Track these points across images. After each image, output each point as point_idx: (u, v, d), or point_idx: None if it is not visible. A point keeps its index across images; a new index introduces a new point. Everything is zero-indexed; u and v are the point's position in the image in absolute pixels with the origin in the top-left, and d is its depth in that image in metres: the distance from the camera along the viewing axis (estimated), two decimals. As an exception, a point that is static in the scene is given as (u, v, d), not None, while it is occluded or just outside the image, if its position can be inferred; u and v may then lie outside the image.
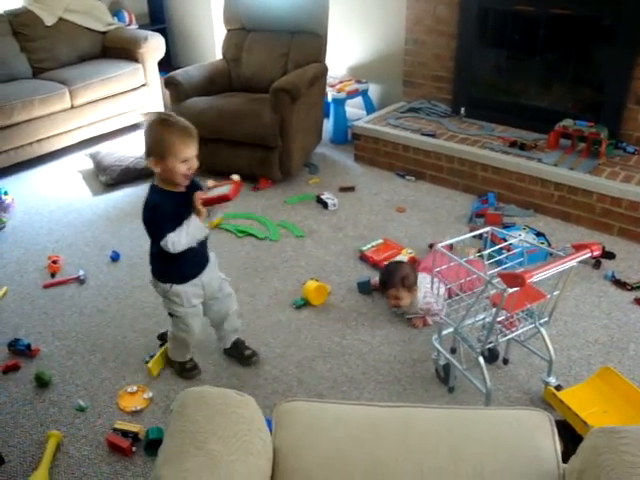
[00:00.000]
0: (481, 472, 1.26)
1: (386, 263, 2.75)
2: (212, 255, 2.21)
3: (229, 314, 2.32)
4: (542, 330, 2.07)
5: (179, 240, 1.94)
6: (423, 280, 2.57)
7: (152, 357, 2.40)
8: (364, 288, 2.80)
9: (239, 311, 2.42)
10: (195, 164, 1.97)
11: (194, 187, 2.03)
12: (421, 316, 2.59)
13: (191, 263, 2.10)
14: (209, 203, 2.01)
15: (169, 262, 2.04)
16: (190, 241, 1.97)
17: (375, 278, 2.78)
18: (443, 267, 2.09)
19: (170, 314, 2.21)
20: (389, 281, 2.55)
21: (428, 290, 2.49)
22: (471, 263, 1.99)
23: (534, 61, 3.78)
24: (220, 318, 2.32)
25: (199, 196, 1.98)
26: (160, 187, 1.99)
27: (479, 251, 2.55)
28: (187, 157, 1.93)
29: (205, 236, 2.05)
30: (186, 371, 2.34)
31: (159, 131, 1.92)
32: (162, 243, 1.94)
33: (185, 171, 1.94)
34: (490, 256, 2.06)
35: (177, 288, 2.10)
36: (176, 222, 1.95)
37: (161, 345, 2.46)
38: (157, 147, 1.91)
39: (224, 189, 2.05)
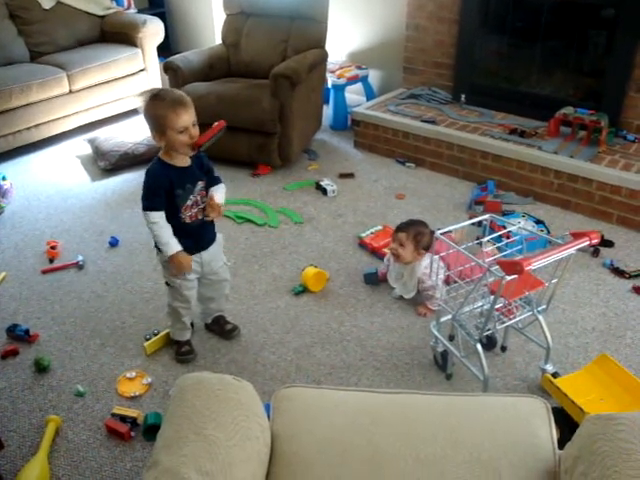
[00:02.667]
0: (478, 458, 1.27)
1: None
2: (219, 237, 2.27)
3: (217, 297, 2.40)
4: (540, 317, 2.07)
5: (156, 229, 2.02)
6: (428, 256, 2.57)
7: (155, 334, 2.44)
8: (371, 279, 2.79)
9: (239, 297, 2.43)
10: (195, 132, 2.00)
11: (199, 161, 2.11)
12: (424, 304, 2.60)
13: (193, 239, 2.14)
14: (206, 139, 2.05)
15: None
16: (155, 237, 2.06)
17: (382, 268, 2.77)
18: (442, 253, 2.10)
19: (167, 283, 2.25)
20: (404, 227, 2.60)
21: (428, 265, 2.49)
22: (480, 254, 1.99)
23: (535, 48, 3.76)
24: (208, 298, 2.39)
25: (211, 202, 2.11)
26: (163, 159, 2.04)
27: (478, 238, 2.55)
28: (184, 126, 1.95)
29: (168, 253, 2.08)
30: (180, 354, 2.36)
31: (152, 107, 1.96)
32: (144, 213, 2.02)
33: (187, 140, 1.97)
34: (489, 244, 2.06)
35: None
36: (168, 194, 2.01)
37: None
38: (154, 123, 1.96)
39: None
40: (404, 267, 2.61)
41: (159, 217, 2.02)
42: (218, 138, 2.08)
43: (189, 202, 2.07)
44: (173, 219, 2.06)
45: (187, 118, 1.96)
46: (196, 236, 2.15)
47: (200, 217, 2.13)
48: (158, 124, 1.95)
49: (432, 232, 2.59)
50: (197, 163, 2.10)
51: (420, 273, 2.55)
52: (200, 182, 2.10)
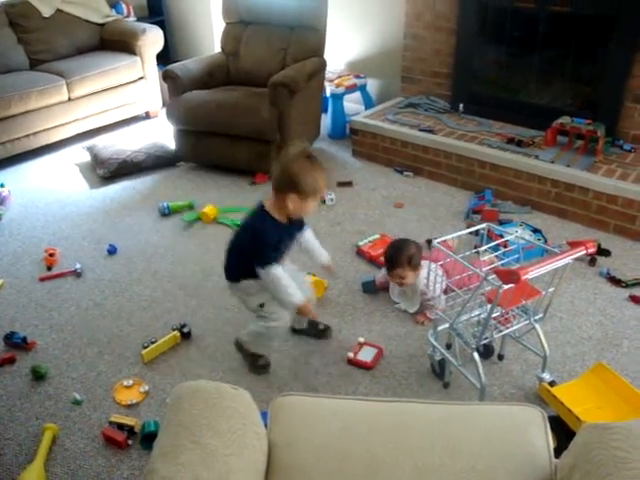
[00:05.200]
0: (475, 467, 1.27)
1: (392, 240, 2.71)
2: None
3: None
4: (537, 326, 2.07)
5: (279, 283, 2.05)
6: (425, 263, 2.56)
7: (153, 342, 2.43)
8: (369, 288, 2.79)
9: (238, 305, 2.43)
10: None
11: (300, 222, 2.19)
12: (423, 312, 2.60)
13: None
14: (355, 364, 2.31)
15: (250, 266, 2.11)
16: (277, 291, 2.08)
17: (379, 276, 2.78)
18: (440, 262, 2.10)
19: (261, 304, 2.20)
20: (396, 260, 2.51)
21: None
22: (477, 262, 2.00)
23: (533, 58, 3.78)
24: None
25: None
26: (273, 216, 2.06)
27: (475, 247, 2.55)
28: (321, 196, 2.04)
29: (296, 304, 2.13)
30: (259, 367, 2.33)
31: (307, 170, 1.97)
32: (263, 270, 2.04)
33: (315, 207, 2.06)
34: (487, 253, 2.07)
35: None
36: (277, 250, 2.07)
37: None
38: (303, 185, 1.96)
39: (369, 355, 2.35)
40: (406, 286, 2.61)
41: (280, 270, 2.06)
42: None
43: (285, 254, 2.16)
44: None
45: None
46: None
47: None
48: (307, 188, 1.96)
49: (417, 244, 2.58)
50: (296, 221, 2.16)
51: (422, 285, 2.54)
52: (297, 237, 2.21)
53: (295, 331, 2.52)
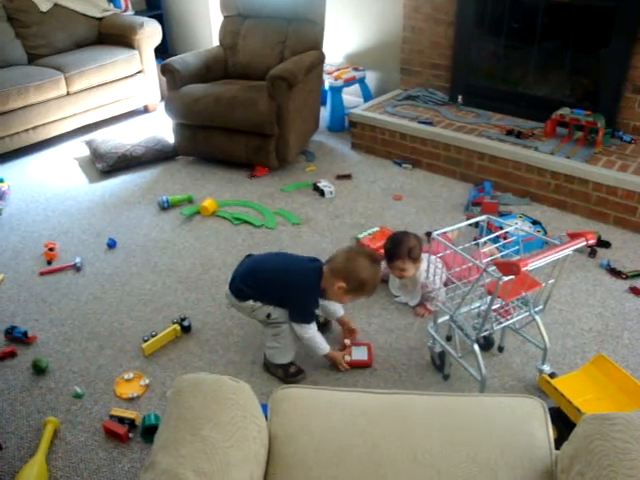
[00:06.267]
0: (474, 458, 1.28)
1: (391, 233, 2.68)
2: None
3: None
4: (537, 318, 2.08)
5: (311, 338, 2.20)
6: (425, 255, 2.55)
7: (153, 336, 2.43)
8: None
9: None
10: None
11: None
12: (423, 304, 2.60)
13: None
14: (355, 365, 2.31)
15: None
16: (308, 345, 2.23)
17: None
18: (440, 254, 2.10)
19: (268, 315, 2.19)
20: (396, 253, 2.49)
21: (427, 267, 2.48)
22: (475, 254, 1.99)
23: (532, 49, 3.77)
24: None
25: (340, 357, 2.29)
26: (320, 286, 2.15)
27: (475, 239, 2.55)
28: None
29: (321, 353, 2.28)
30: (291, 376, 2.27)
31: (369, 270, 2.10)
32: (303, 327, 2.17)
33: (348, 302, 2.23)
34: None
35: None
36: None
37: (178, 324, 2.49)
38: (355, 285, 2.10)
39: (362, 353, 2.35)
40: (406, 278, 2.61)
41: (315, 328, 2.21)
42: None
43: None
44: None
45: None
46: None
47: None
48: (359, 285, 2.10)
49: (417, 236, 2.57)
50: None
51: (423, 278, 2.54)
52: (346, 357, 2.32)
53: None
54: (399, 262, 2.49)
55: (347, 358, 2.30)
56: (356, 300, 2.22)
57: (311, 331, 2.18)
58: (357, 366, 2.30)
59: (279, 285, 2.15)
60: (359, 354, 2.34)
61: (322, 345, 2.23)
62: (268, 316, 2.19)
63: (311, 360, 2.35)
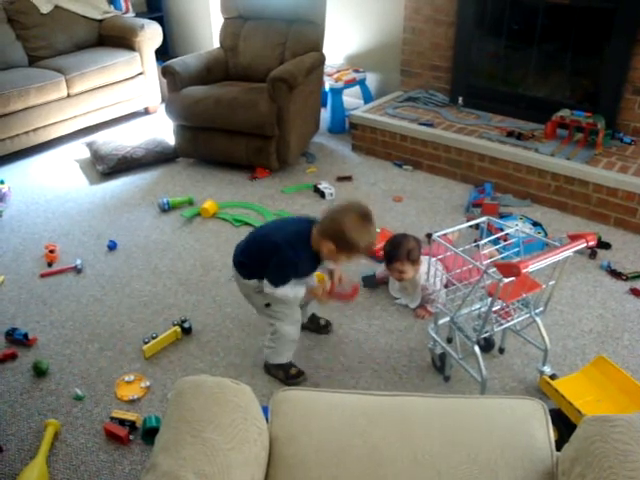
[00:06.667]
0: (475, 459, 1.28)
1: (391, 236, 2.68)
2: None
3: (309, 301, 2.39)
4: (537, 320, 2.08)
5: (282, 292, 2.04)
6: (425, 258, 2.55)
7: (154, 338, 2.43)
8: (369, 282, 2.79)
9: (237, 300, 2.42)
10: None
11: None
12: (423, 306, 2.60)
13: None
14: (331, 295, 2.18)
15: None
16: (288, 295, 2.06)
17: (380, 271, 2.78)
18: (440, 256, 2.10)
19: (267, 304, 2.16)
20: (395, 255, 2.50)
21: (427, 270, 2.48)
22: (476, 256, 1.99)
23: (532, 51, 3.78)
24: (306, 302, 2.36)
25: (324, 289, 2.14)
26: (312, 246, 2.02)
27: (475, 241, 2.55)
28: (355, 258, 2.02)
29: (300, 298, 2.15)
30: (292, 377, 2.26)
31: (355, 227, 1.93)
32: (267, 288, 2.03)
33: (344, 263, 2.05)
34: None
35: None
36: (296, 275, 2.07)
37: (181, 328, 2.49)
38: (344, 242, 1.94)
39: (344, 289, 2.24)
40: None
41: (287, 289, 2.04)
42: None
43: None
44: None
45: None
46: None
47: None
48: (347, 244, 1.94)
49: (416, 239, 2.57)
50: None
51: (423, 280, 2.54)
52: (318, 285, 2.22)
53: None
54: (398, 264, 2.50)
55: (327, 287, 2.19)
56: (354, 259, 2.04)
57: (280, 290, 2.03)
58: (339, 300, 2.18)
59: (266, 249, 2.05)
60: (341, 289, 2.24)
61: (296, 292, 2.08)
62: (267, 305, 2.15)
63: (312, 362, 2.35)
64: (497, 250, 2.46)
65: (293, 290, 2.06)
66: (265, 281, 2.04)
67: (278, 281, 2.02)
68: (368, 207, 1.98)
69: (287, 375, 2.27)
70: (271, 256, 2.01)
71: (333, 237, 1.95)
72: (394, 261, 2.51)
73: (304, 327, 2.48)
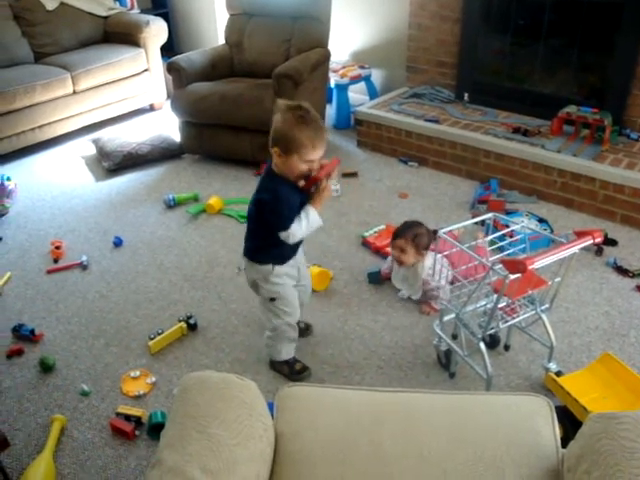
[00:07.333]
0: (481, 456, 1.27)
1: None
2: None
3: (305, 303, 2.34)
4: (543, 316, 2.07)
5: (300, 231, 1.93)
6: (431, 256, 2.56)
7: (160, 334, 2.43)
8: (374, 278, 2.79)
9: (243, 296, 2.42)
10: (316, 166, 1.91)
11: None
12: (428, 302, 2.60)
13: (293, 244, 2.04)
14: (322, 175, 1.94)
15: (273, 245, 2.00)
16: (307, 232, 1.96)
17: (385, 267, 2.78)
18: (446, 252, 2.10)
19: (272, 299, 2.12)
20: (401, 232, 2.57)
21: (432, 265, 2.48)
22: (478, 249, 1.99)
23: (538, 46, 3.75)
24: (299, 305, 2.26)
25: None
26: (281, 176, 1.93)
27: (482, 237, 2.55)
28: (312, 160, 1.87)
29: (320, 225, 1.99)
30: (297, 373, 2.26)
31: (292, 126, 1.84)
32: (283, 235, 1.92)
33: (305, 172, 1.89)
34: (492, 242, 2.06)
35: (278, 269, 2.08)
36: (295, 213, 1.94)
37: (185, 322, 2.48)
38: (285, 141, 1.85)
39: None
40: (408, 270, 2.61)
41: (297, 226, 1.93)
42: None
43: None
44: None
45: (319, 153, 1.88)
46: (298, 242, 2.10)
47: None
48: (288, 144, 1.84)
49: (429, 231, 2.59)
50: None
51: (425, 274, 2.55)
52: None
53: None
54: (401, 241, 2.54)
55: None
56: (309, 162, 1.85)
57: (293, 230, 1.92)
58: (327, 174, 1.95)
59: (257, 216, 1.99)
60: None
61: (311, 222, 1.95)
62: (272, 300, 2.12)
63: (317, 358, 2.36)
64: (499, 248, 2.45)
65: (307, 222, 1.94)
66: (280, 234, 1.93)
67: (283, 223, 1.92)
68: (310, 108, 1.89)
69: (292, 370, 2.27)
70: (263, 215, 1.95)
71: (276, 142, 1.88)
72: (399, 237, 2.56)
73: None
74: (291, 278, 2.15)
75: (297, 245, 2.12)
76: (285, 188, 1.92)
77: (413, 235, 2.53)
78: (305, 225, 1.94)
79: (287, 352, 2.26)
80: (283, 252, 2.07)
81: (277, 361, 2.28)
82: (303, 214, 1.94)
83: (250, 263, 2.10)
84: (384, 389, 1.50)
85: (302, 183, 1.94)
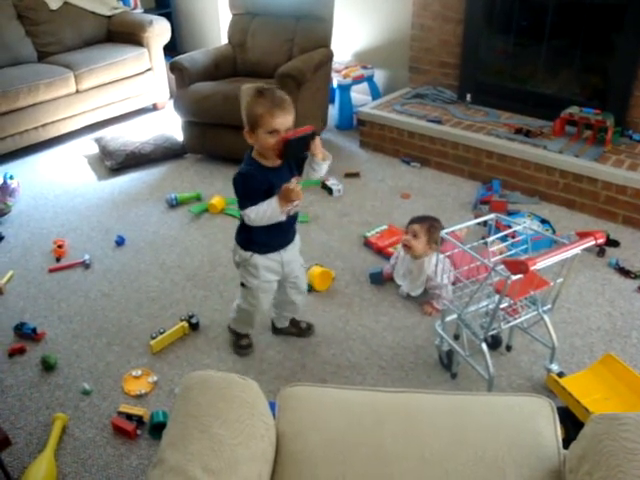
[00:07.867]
0: (482, 457, 1.27)
1: None
2: (297, 237, 2.23)
3: (299, 301, 2.37)
4: (545, 317, 2.07)
5: (255, 215, 1.95)
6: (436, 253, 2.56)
7: (161, 333, 2.44)
8: (376, 279, 2.79)
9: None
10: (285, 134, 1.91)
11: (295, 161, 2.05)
12: (430, 303, 2.60)
13: (275, 235, 2.10)
14: (290, 136, 1.92)
15: (254, 231, 2.05)
16: (263, 220, 1.97)
17: (387, 267, 2.78)
18: (448, 253, 2.10)
19: (242, 284, 2.23)
20: (418, 219, 2.66)
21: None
22: (484, 253, 1.99)
23: (541, 47, 3.75)
24: (290, 302, 2.35)
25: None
26: (255, 159, 2.00)
27: (483, 238, 2.55)
28: (275, 128, 1.88)
29: (280, 220, 2.00)
30: (240, 347, 2.39)
31: (252, 103, 1.93)
32: (241, 212, 2.00)
33: (273, 143, 1.90)
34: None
35: (256, 259, 2.11)
36: (265, 197, 1.95)
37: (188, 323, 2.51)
38: (248, 118, 1.94)
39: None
40: (413, 262, 2.61)
41: (251, 211, 1.95)
42: (305, 144, 1.97)
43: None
44: None
45: (281, 121, 1.89)
46: (285, 232, 2.14)
47: (292, 213, 2.08)
48: (251, 119, 1.93)
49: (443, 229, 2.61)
50: (288, 163, 2.02)
51: (430, 271, 2.55)
52: (294, 179, 2.01)
53: (276, 330, 2.49)
54: (417, 226, 2.60)
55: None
56: (274, 133, 1.88)
57: (249, 214, 1.95)
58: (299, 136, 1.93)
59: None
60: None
61: (266, 209, 1.94)
62: (242, 285, 2.23)
63: (319, 358, 2.36)
64: (506, 247, 2.45)
65: (265, 210, 1.94)
66: (240, 212, 2.01)
67: (241, 201, 1.99)
68: (272, 86, 1.99)
69: (237, 343, 2.39)
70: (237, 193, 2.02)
71: (247, 123, 1.96)
72: (415, 223, 2.63)
73: (287, 333, 2.49)
74: (271, 272, 2.17)
75: (285, 239, 2.15)
76: (252, 168, 1.98)
77: (429, 225, 2.60)
78: (262, 212, 1.95)
79: (242, 328, 2.38)
80: (266, 241, 2.10)
81: (231, 327, 2.41)
82: (266, 202, 1.95)
83: (235, 245, 2.19)
84: (386, 389, 1.50)
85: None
